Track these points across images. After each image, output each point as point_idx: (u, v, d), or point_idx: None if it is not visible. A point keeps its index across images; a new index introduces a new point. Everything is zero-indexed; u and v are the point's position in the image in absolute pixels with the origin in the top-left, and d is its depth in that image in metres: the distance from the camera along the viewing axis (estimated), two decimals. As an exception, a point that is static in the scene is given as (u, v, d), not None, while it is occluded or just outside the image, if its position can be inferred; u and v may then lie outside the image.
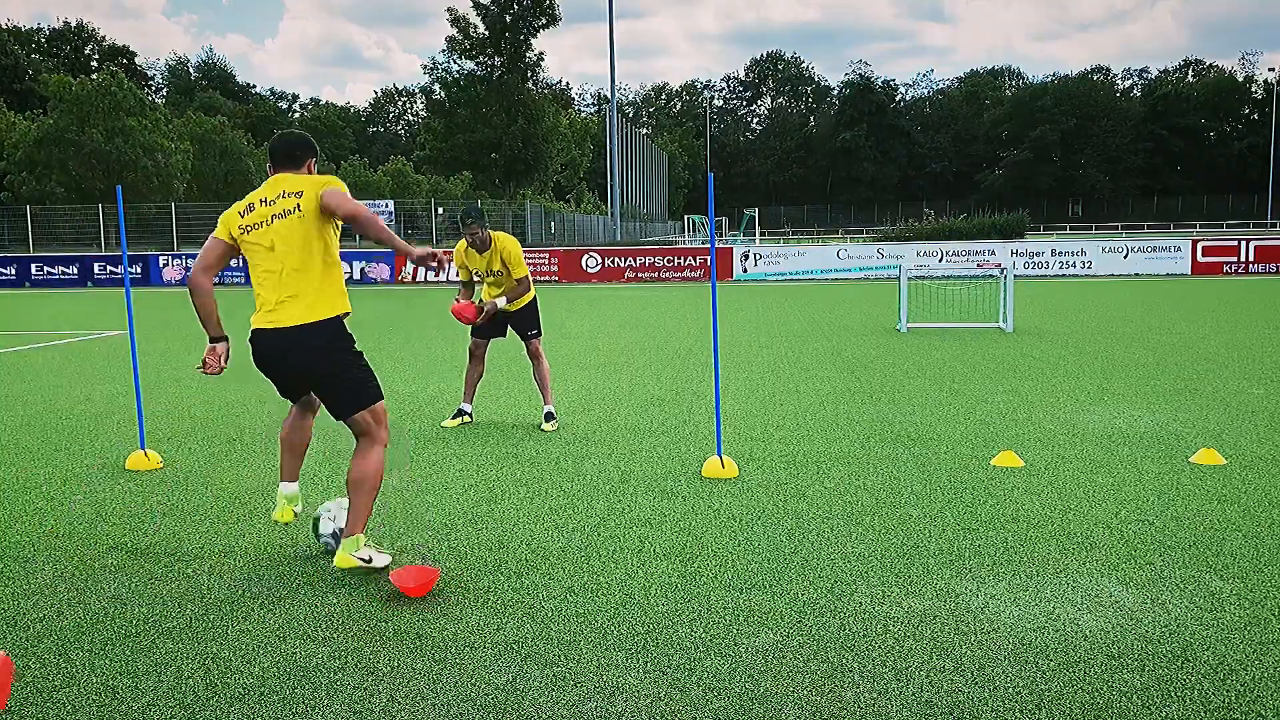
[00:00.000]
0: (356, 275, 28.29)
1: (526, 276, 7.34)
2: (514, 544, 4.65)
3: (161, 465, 6.26)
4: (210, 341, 4.45)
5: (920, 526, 4.81)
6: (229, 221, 4.33)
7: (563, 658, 3.39)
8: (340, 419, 4.29)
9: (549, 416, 7.39)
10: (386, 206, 44.14)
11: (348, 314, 4.28)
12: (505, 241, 7.25)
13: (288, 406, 4.68)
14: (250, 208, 4.26)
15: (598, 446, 6.71)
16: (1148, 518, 4.90)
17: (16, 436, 7.29)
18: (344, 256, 29.29)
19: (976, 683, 3.17)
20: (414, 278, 27.83)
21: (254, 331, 4.23)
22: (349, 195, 4.18)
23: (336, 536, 4.45)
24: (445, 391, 8.98)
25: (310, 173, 4.35)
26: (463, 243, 7.31)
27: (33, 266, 29.97)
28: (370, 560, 4.13)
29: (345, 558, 4.09)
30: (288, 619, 3.77)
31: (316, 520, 4.56)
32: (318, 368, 4.22)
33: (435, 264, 4.11)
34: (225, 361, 4.48)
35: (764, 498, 5.37)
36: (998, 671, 3.25)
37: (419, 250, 4.10)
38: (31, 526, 5.02)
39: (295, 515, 4.65)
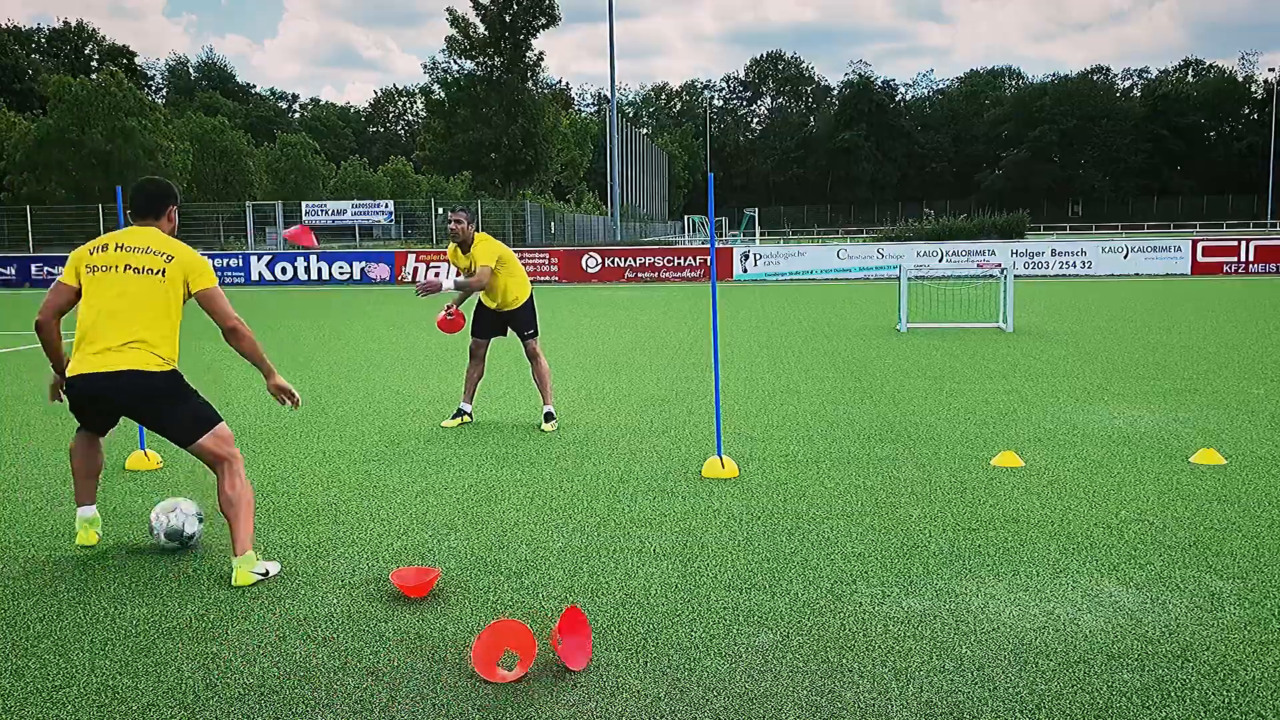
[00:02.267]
0: (356, 275, 28.30)
1: (488, 269, 7.11)
2: (514, 544, 4.65)
3: (161, 465, 6.26)
4: (58, 374, 4.46)
5: (920, 526, 4.81)
6: (78, 260, 4.31)
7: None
8: (186, 448, 4.31)
9: (549, 416, 7.39)
10: (386, 206, 44.15)
11: (176, 370, 4.32)
12: (480, 240, 7.22)
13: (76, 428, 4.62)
14: (104, 248, 4.28)
15: (598, 446, 6.71)
16: (1148, 518, 4.90)
17: (16, 437, 7.29)
18: (343, 256, 28.76)
19: (976, 683, 3.17)
20: (414, 278, 27.82)
21: (82, 376, 4.17)
22: (224, 298, 4.30)
23: (173, 535, 4.51)
24: (445, 391, 8.98)
25: (170, 222, 4.43)
26: (452, 243, 7.35)
27: (33, 266, 29.96)
28: (267, 573, 4.20)
29: (244, 575, 4.13)
30: (288, 619, 3.77)
31: (152, 522, 4.57)
32: (152, 411, 4.26)
33: (291, 401, 4.49)
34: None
35: (764, 498, 5.37)
36: (998, 671, 3.25)
37: (277, 381, 4.44)
38: (31, 526, 5.02)
39: (98, 537, 4.61)
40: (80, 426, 4.52)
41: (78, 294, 4.28)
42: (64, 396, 4.46)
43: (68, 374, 4.23)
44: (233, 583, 4.13)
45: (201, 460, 4.36)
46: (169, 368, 4.24)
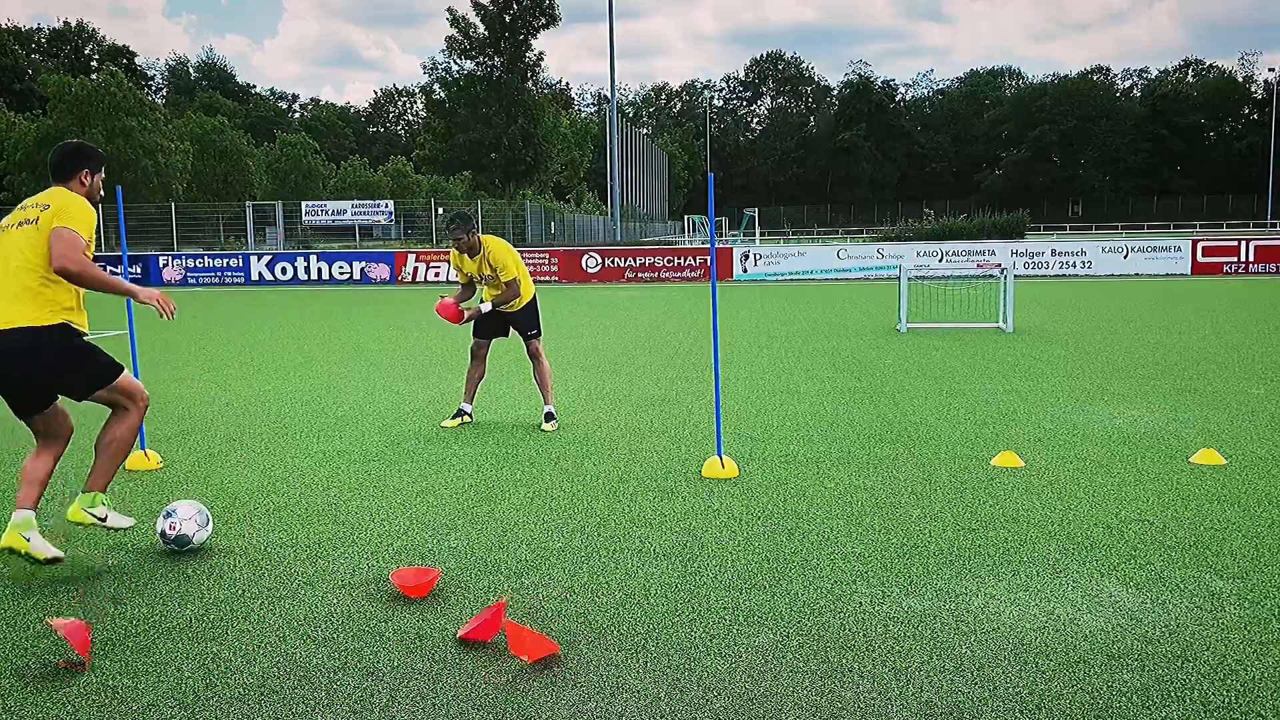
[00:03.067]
0: (356, 275, 28.30)
1: (517, 279, 7.27)
2: (514, 544, 4.65)
3: (161, 465, 6.26)
4: None
5: (920, 526, 4.81)
6: (3, 221, 4.39)
7: (563, 658, 3.39)
8: (83, 401, 4.32)
9: (549, 417, 7.39)
10: (386, 206, 44.14)
11: (78, 330, 4.26)
12: (493, 245, 7.25)
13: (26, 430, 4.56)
14: (23, 209, 4.33)
15: (598, 446, 6.71)
16: (1148, 518, 4.90)
17: (16, 437, 7.29)
18: (343, 256, 28.66)
19: (976, 683, 3.17)
20: (414, 278, 27.82)
21: None
22: (74, 244, 4.15)
23: (176, 540, 4.49)
24: (445, 391, 8.98)
25: (83, 185, 4.44)
26: (456, 250, 7.34)
27: (33, 266, 29.97)
28: (105, 519, 4.17)
29: (78, 512, 4.13)
30: (288, 619, 3.77)
31: (160, 521, 4.55)
32: (47, 372, 4.22)
33: (165, 310, 4.42)
34: None
35: (764, 498, 5.37)
36: (998, 671, 3.25)
37: (145, 293, 4.34)
38: (31, 526, 5.01)
39: (26, 541, 4.34)
40: (17, 416, 4.42)
41: None
42: None
43: None
44: (66, 515, 4.13)
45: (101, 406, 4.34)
46: (57, 320, 4.19)
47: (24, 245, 4.21)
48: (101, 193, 4.59)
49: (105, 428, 4.33)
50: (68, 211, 4.24)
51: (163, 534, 4.51)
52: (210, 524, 4.61)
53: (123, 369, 4.40)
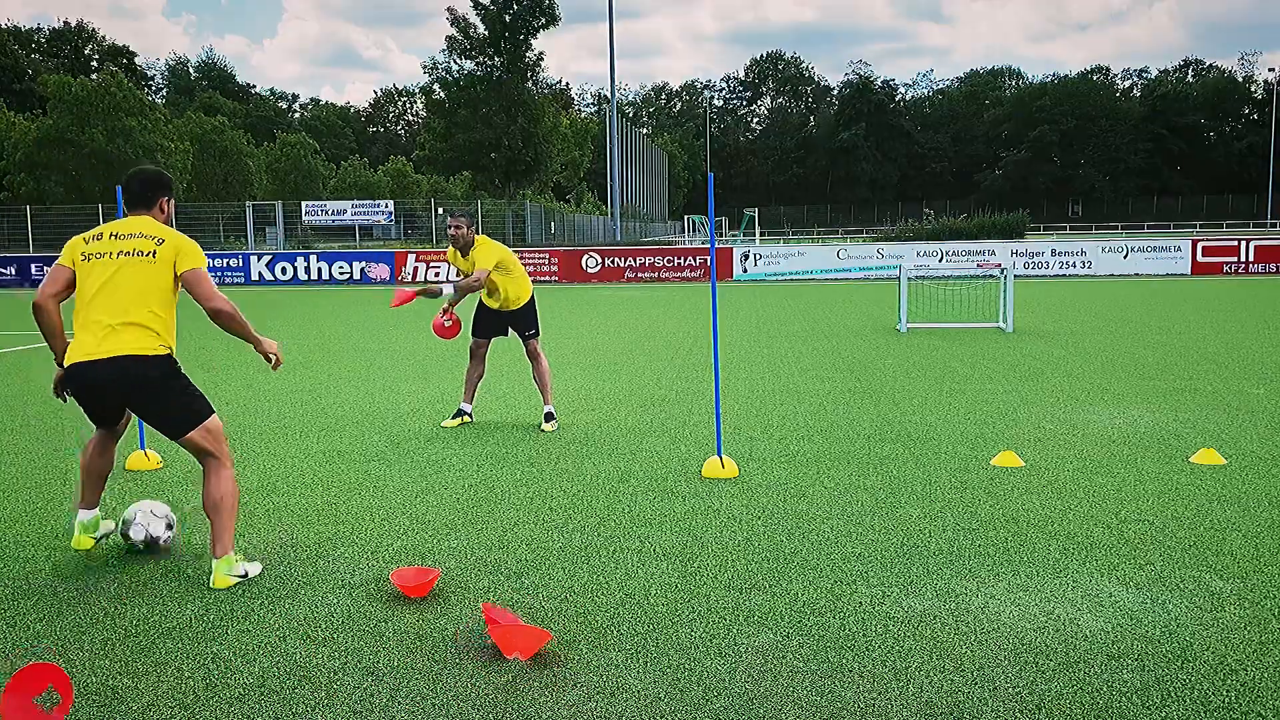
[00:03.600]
0: (356, 275, 28.30)
1: (486, 273, 7.11)
2: (514, 544, 4.65)
3: (161, 465, 6.26)
4: (59, 364, 4.36)
5: (920, 526, 4.81)
6: (74, 248, 4.35)
7: (563, 658, 3.39)
8: (176, 440, 4.31)
9: (549, 417, 7.39)
10: (386, 207, 44.14)
11: (172, 354, 4.30)
12: (481, 243, 7.22)
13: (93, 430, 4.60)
14: (99, 237, 4.31)
15: (598, 446, 6.70)
16: (1148, 518, 4.90)
17: (16, 437, 7.29)
18: (343, 256, 28.72)
19: (976, 683, 3.17)
20: (414, 279, 27.82)
21: (78, 365, 4.17)
22: (210, 281, 4.28)
23: (149, 543, 4.52)
24: (445, 391, 8.98)
25: (163, 211, 4.46)
26: (453, 247, 7.34)
27: (33, 266, 29.95)
28: (246, 574, 4.20)
29: (223, 578, 4.14)
30: (288, 619, 3.77)
31: (126, 523, 4.55)
32: (147, 399, 4.26)
33: (276, 362, 4.60)
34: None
35: (764, 498, 5.37)
36: (998, 671, 3.25)
37: (267, 343, 4.51)
38: (31, 526, 5.02)
39: (95, 542, 4.57)
40: (96, 425, 4.50)
41: (74, 278, 4.30)
42: (67, 397, 4.45)
43: (65, 362, 4.23)
44: (211, 584, 4.12)
45: (190, 453, 4.35)
46: (164, 351, 4.22)
47: (138, 278, 4.19)
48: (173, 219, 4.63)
49: (208, 487, 4.28)
50: (192, 253, 4.29)
51: (147, 540, 4.53)
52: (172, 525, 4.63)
53: (214, 411, 4.39)
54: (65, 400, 4.52)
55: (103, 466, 4.56)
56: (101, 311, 4.15)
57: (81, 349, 4.15)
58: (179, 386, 4.29)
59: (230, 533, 4.24)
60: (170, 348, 4.27)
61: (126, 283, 4.18)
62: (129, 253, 4.22)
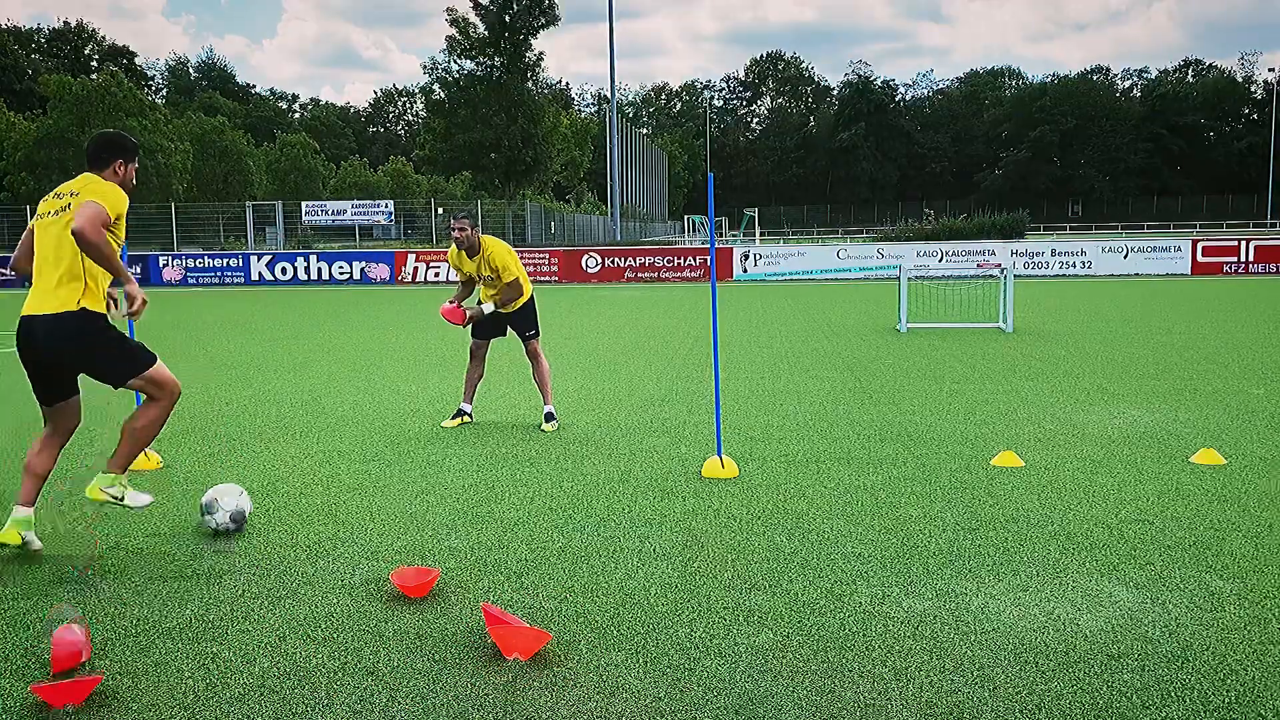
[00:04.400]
0: (356, 275, 28.30)
1: (519, 280, 7.29)
2: (514, 544, 4.65)
3: (161, 465, 6.26)
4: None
5: (920, 526, 4.81)
6: (39, 209, 4.47)
7: (563, 658, 3.39)
8: (117, 388, 4.44)
9: (549, 417, 7.39)
10: (386, 206, 44.14)
11: (99, 314, 4.32)
12: (493, 246, 7.25)
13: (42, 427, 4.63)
14: (58, 197, 4.41)
15: (598, 446, 6.70)
16: (1148, 518, 4.90)
17: (16, 438, 7.29)
18: (343, 256, 28.66)
19: (976, 683, 3.17)
20: (414, 278, 27.83)
21: (22, 321, 4.31)
22: (95, 215, 4.14)
23: (237, 519, 4.71)
24: (445, 391, 8.98)
25: (116, 174, 4.48)
26: (454, 247, 7.33)
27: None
28: (122, 498, 4.26)
29: (96, 490, 4.25)
30: (288, 619, 3.77)
31: (208, 505, 4.72)
32: (77, 352, 4.33)
33: (134, 312, 4.41)
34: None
35: (764, 498, 5.37)
36: (998, 671, 3.25)
37: (134, 287, 4.39)
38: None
39: (23, 539, 4.46)
40: (40, 402, 4.55)
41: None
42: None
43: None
44: (84, 492, 4.25)
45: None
46: (81, 307, 4.25)
47: (58, 233, 4.28)
48: (134, 183, 4.62)
49: (134, 413, 4.46)
50: (98, 190, 4.30)
51: (234, 513, 4.73)
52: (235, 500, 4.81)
53: (156, 359, 4.48)
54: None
55: (40, 466, 4.52)
56: (39, 271, 4.30)
57: (25, 307, 4.29)
58: (105, 339, 4.34)
59: (130, 460, 4.40)
60: (86, 302, 4.27)
61: (50, 241, 4.29)
62: (55, 212, 4.34)
